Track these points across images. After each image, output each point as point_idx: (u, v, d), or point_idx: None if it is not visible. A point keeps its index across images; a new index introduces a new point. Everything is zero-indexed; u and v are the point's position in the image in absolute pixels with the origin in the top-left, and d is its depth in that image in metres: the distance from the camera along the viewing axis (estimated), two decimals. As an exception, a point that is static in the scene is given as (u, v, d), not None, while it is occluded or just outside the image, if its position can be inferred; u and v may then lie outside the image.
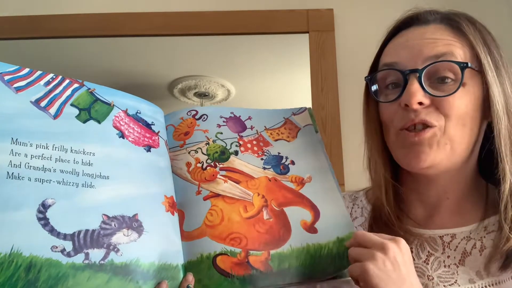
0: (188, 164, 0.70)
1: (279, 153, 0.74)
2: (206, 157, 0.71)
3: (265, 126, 0.77)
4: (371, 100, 0.73)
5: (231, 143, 0.73)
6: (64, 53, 1.54)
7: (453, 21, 0.67)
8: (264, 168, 0.72)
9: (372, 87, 0.71)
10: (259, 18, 1.51)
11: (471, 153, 0.67)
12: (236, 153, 0.72)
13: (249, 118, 0.77)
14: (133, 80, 1.57)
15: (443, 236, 0.68)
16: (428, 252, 0.68)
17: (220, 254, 0.63)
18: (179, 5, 1.53)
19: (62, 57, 1.54)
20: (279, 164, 0.73)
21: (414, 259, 0.69)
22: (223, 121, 0.75)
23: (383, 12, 1.52)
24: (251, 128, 0.76)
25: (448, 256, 0.67)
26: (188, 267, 0.63)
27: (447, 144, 0.64)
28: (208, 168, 0.70)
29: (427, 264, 0.68)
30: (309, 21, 1.51)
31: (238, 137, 0.74)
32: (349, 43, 1.52)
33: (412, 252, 0.69)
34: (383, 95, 0.71)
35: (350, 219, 0.68)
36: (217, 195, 0.67)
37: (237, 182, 0.69)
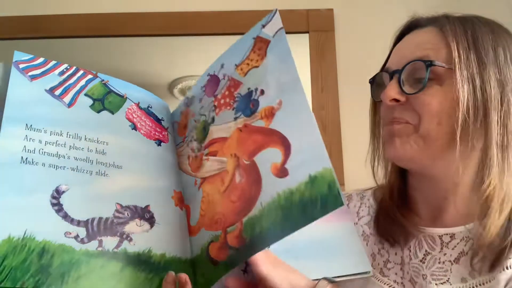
0: (189, 157, 0.69)
1: (249, 88, 0.64)
2: (196, 143, 0.69)
3: (235, 64, 0.67)
4: (377, 103, 0.76)
5: (209, 112, 0.68)
6: (64, 53, 1.54)
7: (440, 23, 0.69)
8: (235, 119, 0.64)
9: (373, 89, 0.75)
10: (259, 18, 1.50)
11: (455, 152, 0.67)
12: (213, 120, 0.67)
13: (222, 66, 0.69)
14: (133, 80, 1.57)
15: (442, 235, 0.69)
16: (426, 251, 0.69)
17: (211, 242, 0.61)
18: (179, 5, 1.53)
19: (62, 57, 1.53)
20: (248, 103, 0.63)
21: (411, 258, 0.69)
22: (203, 91, 0.70)
23: (383, 12, 1.53)
24: (224, 77, 0.68)
25: (445, 254, 0.67)
26: (195, 262, 0.63)
27: (419, 140, 0.66)
28: (198, 154, 0.67)
29: (423, 263, 0.68)
30: (309, 21, 1.51)
31: (213, 99, 0.68)
32: (349, 43, 1.52)
33: (410, 251, 0.70)
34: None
35: (325, 149, 0.54)
36: (204, 180, 0.65)
37: (215, 154, 0.65)
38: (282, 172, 0.55)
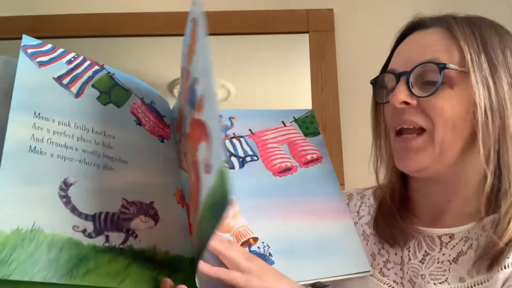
0: (185, 155, 0.67)
1: (193, 78, 0.58)
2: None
3: (186, 53, 0.62)
4: (379, 104, 0.75)
5: (185, 108, 0.65)
6: (64, 53, 1.54)
7: (448, 25, 0.68)
8: (189, 113, 0.60)
9: (375, 90, 0.74)
10: (259, 18, 1.51)
11: (468, 155, 0.67)
12: (186, 116, 0.64)
13: (183, 57, 0.65)
14: (133, 80, 1.58)
15: (441, 236, 0.68)
16: (425, 251, 0.68)
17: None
18: (179, 5, 1.53)
19: (62, 57, 1.54)
20: (193, 95, 0.57)
21: (410, 259, 0.69)
22: (182, 87, 0.68)
23: (383, 12, 1.53)
24: (183, 69, 0.65)
25: (443, 254, 0.67)
26: (194, 260, 0.61)
27: (435, 149, 0.65)
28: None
29: (422, 263, 0.68)
30: (309, 21, 1.51)
31: (183, 94, 0.65)
32: (349, 43, 1.52)
33: (409, 251, 0.70)
34: (384, 97, 0.73)
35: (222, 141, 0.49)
36: (189, 179, 0.63)
37: (187, 152, 0.63)
38: (208, 168, 0.50)
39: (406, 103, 0.66)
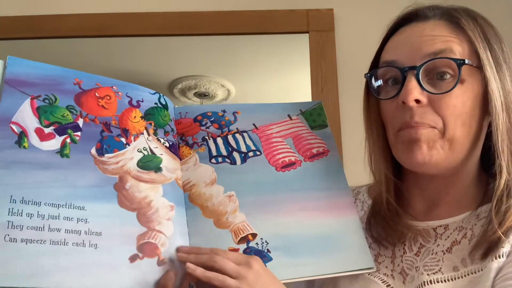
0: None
1: None
2: None
3: None
4: (371, 98, 0.73)
5: None
6: (64, 53, 1.54)
7: (453, 17, 0.66)
8: None
9: (372, 84, 0.71)
10: (259, 18, 1.51)
11: (473, 149, 0.67)
12: None
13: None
14: (133, 80, 1.57)
15: (436, 227, 0.68)
16: (420, 244, 0.68)
17: None
18: (179, 5, 1.53)
19: (62, 57, 1.54)
20: None
21: (405, 252, 0.69)
22: None
23: (383, 12, 1.53)
24: None
25: (438, 245, 0.67)
26: None
27: (445, 145, 0.64)
28: None
29: (418, 256, 0.67)
30: (309, 21, 1.51)
31: None
32: (349, 43, 1.52)
33: (404, 245, 0.70)
34: (383, 92, 0.70)
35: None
36: None
37: None
38: None
39: (417, 101, 0.64)
